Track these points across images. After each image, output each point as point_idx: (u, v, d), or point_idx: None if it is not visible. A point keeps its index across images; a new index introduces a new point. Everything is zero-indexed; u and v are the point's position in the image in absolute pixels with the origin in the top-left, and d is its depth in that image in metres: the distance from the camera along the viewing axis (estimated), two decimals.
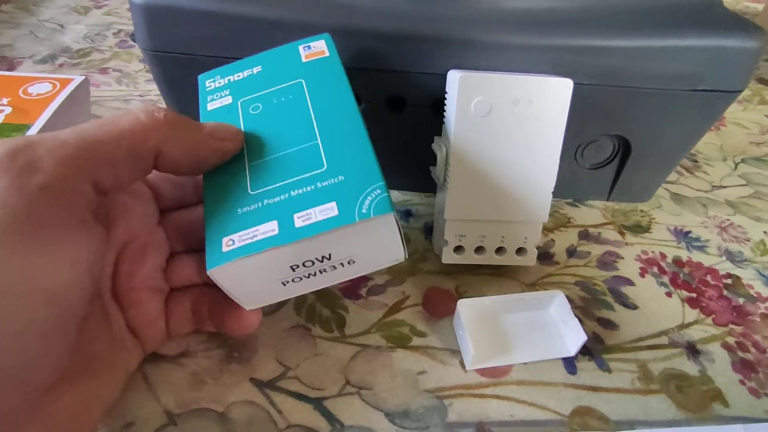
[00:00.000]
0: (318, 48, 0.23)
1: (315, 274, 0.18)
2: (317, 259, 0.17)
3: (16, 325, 0.13)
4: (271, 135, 0.20)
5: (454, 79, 0.23)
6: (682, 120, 0.27)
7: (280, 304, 0.24)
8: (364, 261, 0.18)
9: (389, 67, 0.26)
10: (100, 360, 0.17)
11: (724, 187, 0.35)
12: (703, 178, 0.36)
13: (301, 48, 0.23)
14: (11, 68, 0.43)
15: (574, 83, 0.25)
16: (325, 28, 0.24)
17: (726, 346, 0.24)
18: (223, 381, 0.21)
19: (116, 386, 0.18)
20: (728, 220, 0.32)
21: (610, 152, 0.30)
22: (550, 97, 0.23)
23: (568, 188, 0.32)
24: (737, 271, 0.28)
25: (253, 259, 0.17)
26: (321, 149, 0.19)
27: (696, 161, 0.38)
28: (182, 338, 0.22)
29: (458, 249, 0.26)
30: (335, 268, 0.18)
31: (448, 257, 0.26)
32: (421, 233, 0.29)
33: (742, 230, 0.31)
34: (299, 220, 0.17)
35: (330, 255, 0.17)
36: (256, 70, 0.23)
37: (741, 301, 0.26)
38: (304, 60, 0.22)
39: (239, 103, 0.21)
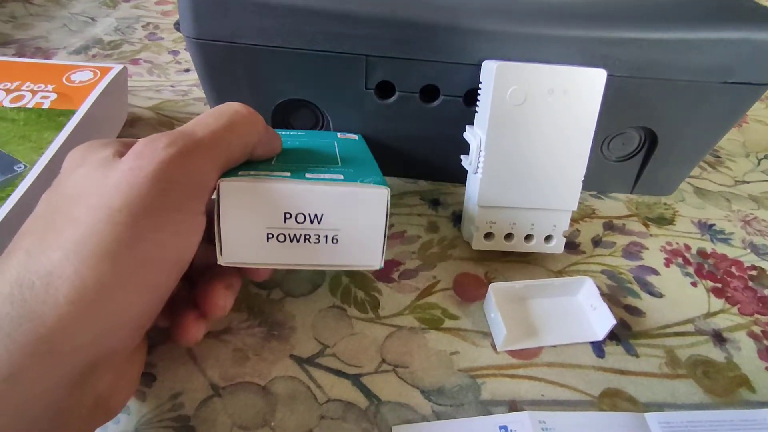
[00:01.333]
0: (351, 136, 0.28)
1: (299, 240, 0.19)
2: (309, 216, 0.18)
3: (160, 288, 0.16)
4: (299, 152, 0.23)
5: (490, 68, 0.24)
6: (710, 113, 0.28)
7: (317, 285, 0.25)
8: (344, 245, 0.19)
9: (424, 57, 0.26)
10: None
11: (747, 182, 0.35)
12: (726, 173, 0.36)
13: (338, 134, 0.28)
14: (47, 58, 0.44)
15: (608, 74, 0.25)
16: (363, 16, 0.25)
17: (752, 335, 0.24)
18: (264, 357, 0.22)
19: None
20: (752, 214, 0.32)
21: (637, 144, 0.31)
22: (584, 88, 0.23)
23: (592, 180, 0.33)
24: (762, 264, 0.29)
25: (261, 185, 0.18)
26: (338, 157, 0.23)
27: (719, 157, 0.38)
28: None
29: (488, 236, 0.26)
30: (318, 241, 0.19)
31: (479, 243, 0.26)
32: (449, 221, 0.30)
33: (767, 224, 0.31)
34: (309, 175, 0.19)
35: (321, 217, 0.18)
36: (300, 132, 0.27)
37: (766, 292, 0.27)
38: (339, 137, 0.28)
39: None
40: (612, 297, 0.26)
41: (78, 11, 0.55)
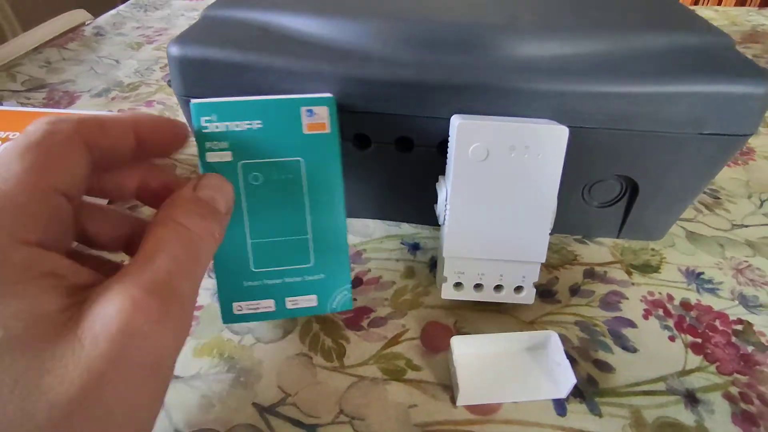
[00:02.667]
0: (320, 118, 0.23)
1: None
2: None
3: None
4: (270, 216, 0.23)
5: (454, 124, 0.24)
6: (689, 162, 0.27)
7: (288, 331, 0.26)
8: None
9: (397, 112, 0.27)
10: None
11: (746, 226, 0.34)
12: (723, 215, 0.35)
13: (303, 111, 0.23)
14: (71, 102, 0.48)
15: (578, 127, 0.26)
16: (337, 77, 0.26)
17: (728, 396, 0.24)
18: (228, 404, 0.23)
19: None
20: (746, 261, 0.31)
21: (618, 192, 0.30)
22: (546, 144, 0.24)
23: (576, 225, 0.33)
24: (749, 317, 0.27)
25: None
26: (310, 245, 0.24)
27: (717, 198, 0.37)
28: (196, 361, 0.25)
29: (457, 285, 0.27)
30: None
31: (447, 293, 0.27)
32: (426, 267, 0.30)
33: (761, 273, 0.30)
34: (290, 303, 0.24)
35: None
36: (255, 124, 0.22)
37: (750, 349, 0.26)
38: (305, 131, 0.23)
39: (240, 164, 0.22)
40: (582, 351, 0.26)
41: (105, 54, 0.59)
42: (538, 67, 0.26)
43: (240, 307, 0.24)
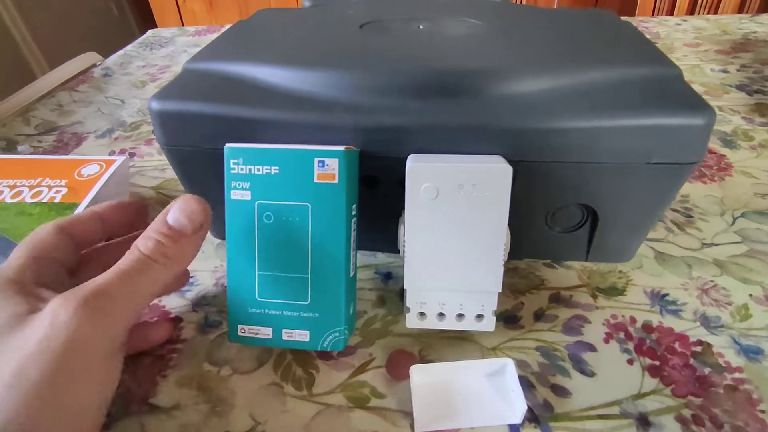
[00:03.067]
0: (330, 169, 0.25)
1: None
2: None
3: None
4: (276, 253, 0.27)
5: (407, 166, 0.26)
6: (642, 190, 0.28)
7: (263, 362, 0.28)
8: None
9: (363, 152, 0.29)
10: None
11: (716, 244, 0.35)
12: (694, 234, 0.36)
13: (316, 162, 0.25)
14: (79, 143, 0.52)
15: (531, 161, 0.27)
16: (303, 125, 0.28)
17: (680, 419, 0.24)
18: None
19: None
20: (712, 281, 0.32)
21: (580, 218, 0.31)
22: (492, 182, 0.25)
23: (543, 249, 0.34)
24: (710, 338, 0.28)
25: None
26: (309, 284, 0.26)
27: (690, 216, 0.37)
28: (177, 391, 0.27)
29: (421, 315, 0.28)
30: None
31: (412, 322, 0.28)
32: (397, 296, 0.32)
33: (725, 293, 0.31)
34: (285, 335, 0.27)
35: None
36: (274, 170, 0.26)
37: (707, 371, 0.26)
38: (315, 180, 0.25)
39: (256, 203, 0.26)
40: (541, 376, 0.27)
41: (112, 94, 0.63)
42: (492, 106, 0.28)
43: (243, 329, 0.27)
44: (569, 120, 0.26)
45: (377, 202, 0.32)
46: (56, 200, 0.36)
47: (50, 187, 0.37)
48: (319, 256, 0.26)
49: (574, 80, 0.29)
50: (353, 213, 0.27)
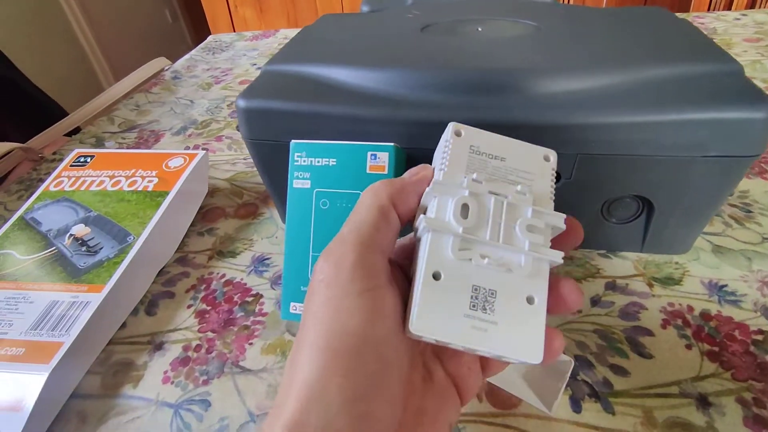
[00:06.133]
0: (381, 161, 0.28)
1: None
2: None
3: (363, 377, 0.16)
4: (330, 235, 0.28)
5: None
6: (698, 183, 0.29)
7: None
8: None
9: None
10: (427, 415, 0.19)
11: None
12: (753, 229, 0.36)
13: (369, 155, 0.28)
14: (157, 140, 0.57)
15: (590, 154, 0.29)
16: (376, 121, 0.31)
17: (741, 401, 0.25)
18: None
19: None
20: None
21: (636, 209, 0.32)
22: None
23: (599, 240, 0.35)
24: None
25: None
26: None
27: (750, 211, 0.37)
28: (263, 358, 0.30)
29: None
30: None
31: None
32: None
33: None
34: None
35: None
36: (332, 162, 0.29)
37: None
38: (368, 170, 0.28)
39: (315, 192, 0.29)
40: (599, 356, 0.28)
41: (182, 95, 0.68)
42: (554, 104, 0.30)
43: (295, 307, 0.29)
44: (628, 114, 0.28)
45: None
46: (149, 189, 0.40)
47: (143, 177, 0.41)
48: None
49: (636, 76, 0.30)
50: None
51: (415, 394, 0.19)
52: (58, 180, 0.42)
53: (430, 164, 0.24)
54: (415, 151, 0.31)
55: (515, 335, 0.18)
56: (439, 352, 0.21)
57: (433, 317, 0.18)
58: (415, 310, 0.18)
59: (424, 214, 0.20)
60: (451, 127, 0.23)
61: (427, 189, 0.20)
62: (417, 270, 0.19)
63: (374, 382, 0.16)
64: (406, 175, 0.22)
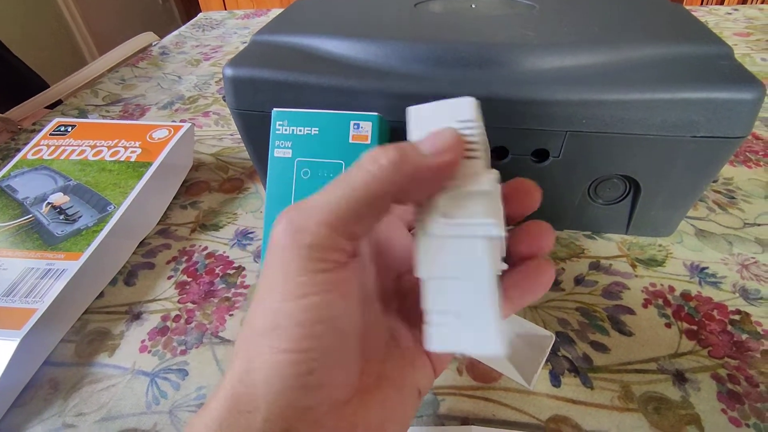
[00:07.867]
0: (364, 131, 0.28)
1: None
2: None
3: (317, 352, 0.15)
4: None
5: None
6: (686, 163, 0.29)
7: None
8: None
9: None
10: (389, 379, 0.18)
11: (759, 225, 0.35)
12: (736, 215, 0.36)
13: (351, 125, 0.28)
14: (142, 114, 0.56)
15: (578, 131, 0.28)
16: (360, 91, 0.30)
17: (716, 377, 0.26)
18: None
19: (409, 405, 0.18)
20: (753, 258, 0.32)
21: (623, 190, 0.33)
22: None
23: (584, 221, 0.35)
24: (748, 309, 0.29)
25: None
26: None
27: (733, 198, 0.38)
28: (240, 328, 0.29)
29: None
30: None
31: None
32: None
33: (767, 269, 0.31)
34: None
35: None
36: (314, 131, 0.28)
37: (744, 336, 0.27)
38: (350, 140, 0.28)
39: (296, 161, 0.28)
40: (580, 333, 0.28)
41: (169, 71, 0.67)
42: (543, 79, 0.29)
43: None
44: (619, 92, 0.28)
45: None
46: (132, 159, 0.39)
47: (126, 148, 0.40)
48: None
49: (623, 56, 0.30)
50: None
51: (375, 359, 0.18)
52: (36, 148, 0.41)
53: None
54: (401, 125, 0.31)
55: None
56: (407, 317, 0.19)
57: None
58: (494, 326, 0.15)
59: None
60: None
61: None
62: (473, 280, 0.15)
63: (324, 351, 0.15)
64: (427, 144, 0.17)
